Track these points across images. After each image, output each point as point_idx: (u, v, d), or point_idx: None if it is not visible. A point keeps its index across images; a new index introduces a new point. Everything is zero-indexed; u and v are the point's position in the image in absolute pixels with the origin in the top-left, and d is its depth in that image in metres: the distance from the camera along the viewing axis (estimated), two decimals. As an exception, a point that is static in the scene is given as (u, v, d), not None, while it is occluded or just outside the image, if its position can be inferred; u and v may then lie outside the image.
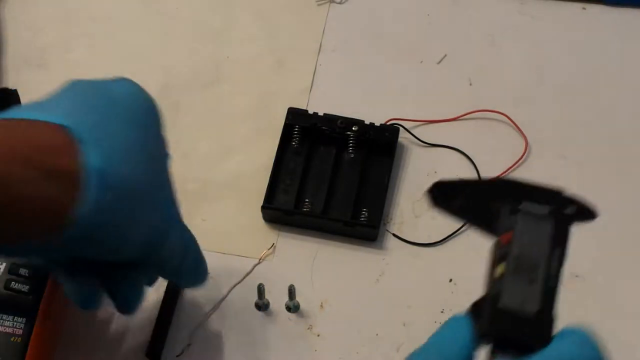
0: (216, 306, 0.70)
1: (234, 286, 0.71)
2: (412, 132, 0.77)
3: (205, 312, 0.70)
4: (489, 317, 0.39)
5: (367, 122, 0.76)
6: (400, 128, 0.76)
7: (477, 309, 0.40)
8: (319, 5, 0.86)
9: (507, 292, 0.39)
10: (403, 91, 0.81)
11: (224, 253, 0.72)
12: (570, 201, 0.43)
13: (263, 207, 0.73)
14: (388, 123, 0.77)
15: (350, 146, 0.75)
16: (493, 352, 0.39)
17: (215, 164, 0.77)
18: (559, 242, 0.41)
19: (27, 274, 0.63)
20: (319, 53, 0.83)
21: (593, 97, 0.81)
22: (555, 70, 0.82)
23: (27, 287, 0.62)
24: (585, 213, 0.44)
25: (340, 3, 0.87)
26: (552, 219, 0.42)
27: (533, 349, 0.38)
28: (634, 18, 0.85)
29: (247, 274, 0.71)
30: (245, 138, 0.79)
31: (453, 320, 0.41)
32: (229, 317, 0.70)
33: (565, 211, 0.43)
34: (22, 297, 0.62)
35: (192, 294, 0.71)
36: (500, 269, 0.40)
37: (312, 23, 0.85)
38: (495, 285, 0.40)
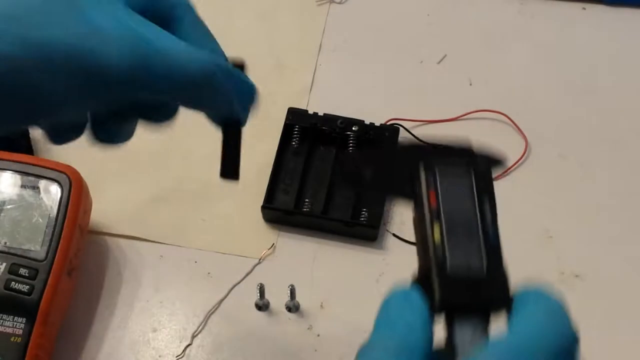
0: (216, 306, 0.70)
1: (234, 286, 0.71)
2: (412, 132, 0.77)
3: (206, 311, 0.70)
4: (441, 288, 0.37)
5: (367, 122, 0.76)
6: (400, 128, 0.76)
7: (421, 280, 0.38)
8: (318, 5, 0.86)
9: (451, 256, 0.37)
10: (403, 91, 0.81)
11: (224, 253, 0.72)
12: (480, 156, 0.42)
13: (263, 207, 0.73)
14: (388, 123, 0.77)
15: (350, 146, 0.75)
16: (449, 324, 0.36)
17: (215, 164, 0.77)
18: (485, 192, 0.39)
19: (27, 274, 0.63)
20: (319, 53, 0.83)
21: (593, 97, 0.81)
22: (555, 70, 0.82)
23: (27, 287, 0.62)
24: (496, 162, 0.42)
25: (340, 3, 0.87)
26: (470, 171, 0.40)
27: (494, 310, 0.36)
28: (634, 18, 0.85)
29: (247, 274, 0.71)
30: (245, 138, 0.79)
31: (399, 296, 0.38)
32: (229, 317, 0.70)
33: (479, 165, 0.41)
34: (22, 297, 0.62)
35: (192, 292, 0.71)
36: (436, 234, 0.38)
37: (312, 23, 0.85)
38: (436, 251, 0.38)
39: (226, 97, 0.44)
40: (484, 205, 0.39)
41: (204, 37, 0.46)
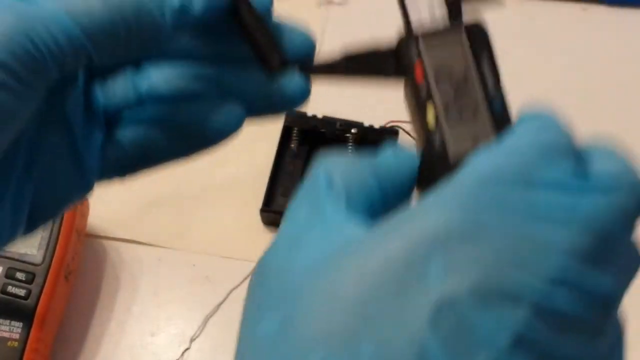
0: (215, 310, 0.70)
1: (233, 290, 0.70)
2: (411, 134, 0.77)
3: (204, 315, 0.69)
4: (443, 176, 0.30)
5: (366, 124, 0.75)
6: (400, 130, 0.76)
7: (424, 169, 0.32)
8: (318, 7, 0.86)
9: (452, 141, 0.32)
10: (402, 93, 0.81)
11: (222, 256, 0.72)
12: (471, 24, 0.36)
13: (262, 210, 0.72)
14: (387, 125, 0.76)
15: (349, 148, 0.75)
16: None
17: (214, 167, 0.77)
18: (483, 53, 0.34)
19: (23, 278, 0.62)
20: (318, 54, 0.83)
21: (593, 97, 0.80)
22: (555, 70, 0.82)
23: (24, 291, 0.62)
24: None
25: (339, 4, 0.86)
26: (459, 27, 0.35)
27: None
28: (634, 18, 0.85)
29: (246, 278, 0.71)
30: (244, 141, 0.78)
31: (398, 152, 0.33)
32: (227, 321, 0.69)
33: (470, 24, 0.35)
34: (19, 302, 0.62)
35: (190, 295, 0.70)
36: (430, 116, 0.33)
37: (311, 24, 0.84)
38: (433, 136, 0.32)
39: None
40: (484, 70, 0.34)
41: None
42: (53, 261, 0.64)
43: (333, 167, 0.31)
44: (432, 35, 0.34)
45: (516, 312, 0.25)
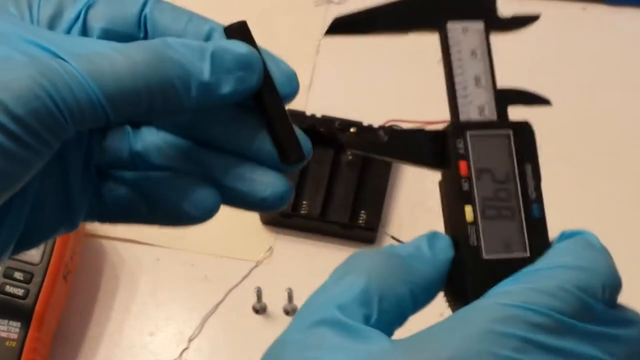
0: (213, 309, 0.69)
1: (231, 289, 0.70)
2: (410, 133, 0.77)
3: (203, 315, 0.69)
4: (473, 276, 0.33)
5: (365, 123, 0.75)
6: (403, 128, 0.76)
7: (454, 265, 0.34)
8: (316, 6, 0.86)
9: (487, 239, 0.33)
10: (402, 92, 0.81)
11: (221, 256, 0.72)
12: (520, 122, 0.36)
13: (260, 210, 0.72)
14: (386, 125, 0.76)
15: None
16: None
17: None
18: (526, 152, 0.35)
19: (22, 278, 0.62)
20: (316, 54, 0.83)
21: (593, 97, 0.80)
22: (555, 70, 0.82)
23: (22, 291, 0.62)
24: (538, 101, 0.38)
25: (338, 4, 0.86)
26: (506, 125, 0.35)
27: None
28: (634, 18, 0.85)
29: (245, 277, 0.71)
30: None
31: (431, 238, 0.34)
32: (226, 321, 0.69)
33: (518, 128, 0.36)
34: (17, 302, 0.62)
35: (189, 295, 0.70)
36: (468, 213, 0.34)
37: (310, 24, 0.85)
38: (469, 230, 0.33)
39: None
40: (526, 171, 0.35)
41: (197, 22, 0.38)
42: (51, 261, 0.64)
43: (370, 277, 0.32)
44: (480, 130, 0.35)
45: None
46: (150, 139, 0.36)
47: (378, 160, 0.75)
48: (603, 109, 0.80)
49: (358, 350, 0.29)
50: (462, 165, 0.34)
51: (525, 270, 0.32)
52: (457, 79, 0.37)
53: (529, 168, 0.35)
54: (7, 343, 0.61)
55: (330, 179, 0.74)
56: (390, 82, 0.81)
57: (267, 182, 0.35)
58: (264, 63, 0.35)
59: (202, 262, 0.72)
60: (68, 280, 0.67)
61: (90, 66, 0.30)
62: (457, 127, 0.35)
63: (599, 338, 0.30)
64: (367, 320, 0.31)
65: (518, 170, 0.34)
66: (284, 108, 0.36)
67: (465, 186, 0.34)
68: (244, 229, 0.73)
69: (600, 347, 0.30)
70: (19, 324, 0.61)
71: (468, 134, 0.35)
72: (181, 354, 0.68)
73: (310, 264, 0.71)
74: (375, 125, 0.76)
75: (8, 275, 0.62)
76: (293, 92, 0.37)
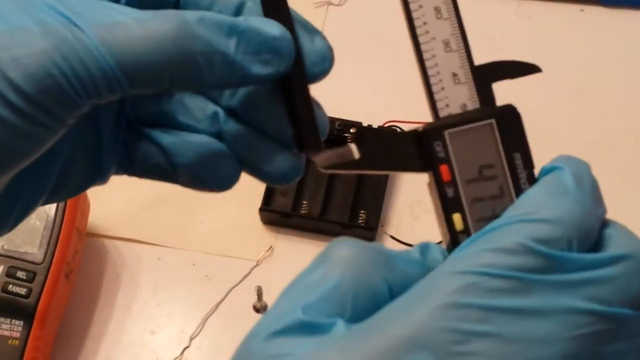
0: (214, 309, 0.70)
1: (232, 289, 0.70)
2: (410, 134, 0.77)
3: (204, 314, 0.69)
4: None
5: (365, 124, 0.76)
6: (398, 130, 0.76)
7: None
8: (316, 7, 0.86)
9: None
10: (401, 93, 0.81)
11: (221, 255, 0.72)
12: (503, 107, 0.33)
13: (261, 209, 0.73)
14: (386, 125, 0.76)
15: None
16: None
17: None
18: (513, 139, 0.32)
19: (24, 277, 0.63)
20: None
21: (592, 98, 0.81)
22: (554, 71, 0.82)
23: (25, 290, 0.62)
24: (525, 70, 0.35)
25: (338, 5, 0.87)
26: (488, 115, 0.32)
27: None
28: (632, 19, 0.85)
29: (245, 277, 0.71)
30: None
31: (424, 247, 0.32)
32: (227, 320, 0.69)
33: (502, 114, 0.32)
34: (20, 300, 0.62)
35: (190, 294, 0.71)
36: (457, 222, 0.31)
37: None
38: (460, 238, 0.31)
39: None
40: (515, 161, 0.32)
41: None
42: (54, 260, 0.64)
43: (345, 269, 0.30)
44: (461, 127, 0.32)
45: None
46: (182, 99, 0.35)
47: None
48: (601, 110, 0.80)
49: (309, 343, 0.27)
50: (444, 169, 0.32)
51: (484, 228, 0.29)
52: (427, 64, 0.34)
53: (518, 157, 0.32)
54: (9, 342, 0.61)
55: (330, 179, 0.74)
56: (390, 82, 0.81)
57: (280, 158, 0.34)
58: (297, 42, 0.32)
59: (203, 262, 0.72)
60: (70, 279, 0.67)
61: (109, 37, 0.29)
62: (433, 128, 0.32)
63: (575, 286, 0.27)
64: (340, 317, 0.29)
65: (507, 161, 0.32)
66: (308, 95, 0.33)
67: (450, 192, 0.32)
68: (245, 229, 0.73)
69: (579, 295, 0.27)
70: (21, 323, 0.62)
71: (446, 133, 0.32)
72: (182, 352, 0.68)
73: (311, 263, 0.72)
74: (375, 125, 0.77)
75: (11, 274, 0.62)
76: (323, 73, 0.34)
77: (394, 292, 0.29)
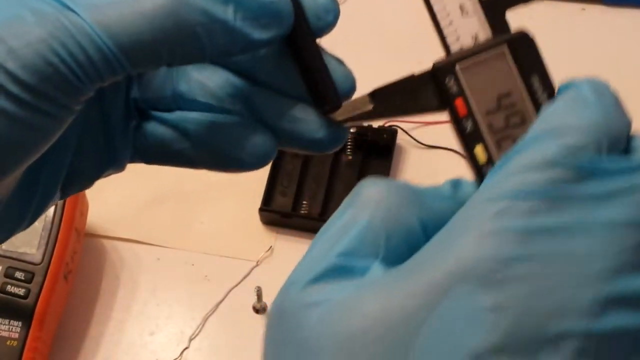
0: (213, 309, 0.70)
1: (232, 289, 0.70)
2: (410, 134, 0.77)
3: (203, 315, 0.69)
4: None
5: (365, 124, 0.75)
6: (399, 130, 0.76)
7: None
8: (316, 6, 0.86)
9: None
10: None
11: (221, 256, 0.72)
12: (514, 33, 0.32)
13: (261, 210, 0.72)
14: (386, 125, 0.76)
15: (348, 148, 0.75)
16: None
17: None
18: (530, 64, 0.32)
19: (23, 278, 0.62)
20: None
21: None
22: (554, 71, 0.82)
23: (23, 290, 0.62)
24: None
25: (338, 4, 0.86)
26: (501, 44, 0.31)
27: None
28: (633, 18, 0.85)
29: (245, 277, 0.71)
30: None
31: (455, 183, 0.31)
32: (226, 320, 0.69)
33: (513, 39, 0.31)
34: (18, 301, 0.62)
35: (189, 295, 0.71)
36: (480, 154, 0.31)
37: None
38: (486, 171, 0.31)
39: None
40: (534, 86, 0.32)
41: None
42: (52, 260, 0.64)
43: (376, 209, 0.29)
44: (472, 58, 0.31)
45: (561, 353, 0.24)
46: (196, 77, 0.34)
47: (378, 160, 0.75)
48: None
49: (346, 288, 0.27)
50: (459, 104, 0.31)
51: (509, 152, 0.28)
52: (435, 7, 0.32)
53: (536, 81, 0.32)
54: (8, 342, 0.61)
55: (330, 179, 0.74)
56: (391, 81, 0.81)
57: (321, 122, 0.33)
58: (297, 1, 0.31)
59: (203, 262, 0.72)
60: (69, 279, 0.67)
61: (104, 18, 0.28)
62: (444, 63, 0.31)
63: (612, 195, 0.26)
64: (374, 258, 0.28)
65: (525, 86, 0.31)
66: (317, 51, 0.32)
67: (469, 126, 0.31)
68: (245, 229, 0.73)
69: (617, 204, 0.26)
70: (20, 324, 0.62)
71: (457, 67, 0.31)
72: (181, 353, 0.68)
73: (310, 264, 0.71)
74: (375, 125, 0.77)
75: (9, 275, 0.62)
76: (329, 26, 0.33)
77: (427, 230, 0.29)
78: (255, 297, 0.68)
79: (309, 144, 0.33)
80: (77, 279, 0.70)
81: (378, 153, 0.75)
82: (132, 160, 0.36)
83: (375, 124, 0.75)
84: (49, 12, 0.28)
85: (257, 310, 0.69)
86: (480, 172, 0.31)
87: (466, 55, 0.31)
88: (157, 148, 0.35)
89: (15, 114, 0.28)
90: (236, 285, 0.70)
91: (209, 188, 0.75)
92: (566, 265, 0.25)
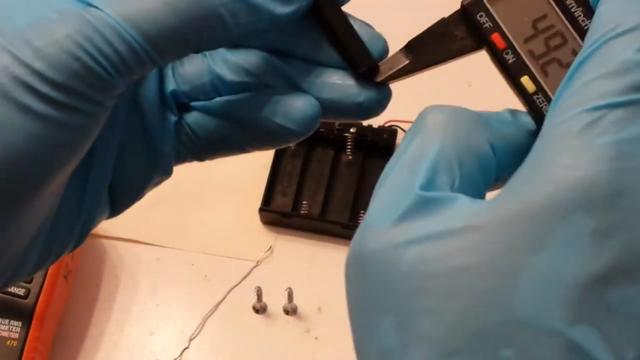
0: (213, 309, 0.70)
1: (232, 289, 0.70)
2: (410, 133, 0.77)
3: (203, 314, 0.69)
4: None
5: (365, 124, 0.75)
6: (398, 130, 0.76)
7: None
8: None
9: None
10: (401, 93, 0.80)
11: (221, 256, 0.72)
12: None
13: (261, 210, 0.72)
14: (386, 125, 0.76)
15: (348, 148, 0.75)
16: None
17: (213, 166, 0.76)
18: None
19: (23, 278, 0.62)
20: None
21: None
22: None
23: (23, 290, 0.62)
24: None
25: (337, 4, 0.86)
26: None
27: None
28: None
29: (245, 277, 0.71)
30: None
31: (513, 112, 0.31)
32: (226, 320, 0.69)
33: None
34: (18, 301, 0.62)
35: (189, 295, 0.71)
36: (528, 85, 0.31)
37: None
38: (536, 100, 0.30)
39: None
40: (569, 8, 0.30)
41: None
42: (52, 260, 0.64)
43: (445, 134, 0.28)
44: None
45: None
46: (231, 59, 0.34)
47: (378, 160, 0.75)
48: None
49: (441, 221, 0.26)
50: (496, 37, 0.31)
51: (572, 66, 0.26)
52: None
53: (573, 3, 0.30)
54: (8, 342, 0.61)
55: (330, 179, 0.74)
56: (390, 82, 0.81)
57: (361, 86, 0.33)
58: None
59: (203, 262, 0.72)
60: (69, 279, 0.67)
61: (127, 10, 0.28)
62: (472, 1, 0.31)
63: None
64: (450, 187, 0.27)
65: (558, 6, 0.30)
66: (344, 17, 0.33)
67: (511, 58, 0.31)
68: (244, 229, 0.73)
69: None
70: (20, 324, 0.62)
71: (486, 1, 0.31)
72: (181, 353, 0.68)
73: (310, 264, 0.71)
74: (375, 125, 0.77)
75: (9, 274, 0.62)
76: (383, 55, 0.33)
77: (497, 152, 0.28)
78: (255, 297, 0.68)
79: (353, 109, 0.33)
80: (76, 279, 0.70)
81: (378, 153, 0.75)
82: (182, 160, 0.35)
83: (375, 124, 0.75)
84: (71, 10, 0.28)
85: (257, 310, 0.69)
86: (532, 101, 0.30)
87: None
88: (204, 139, 0.34)
89: (48, 114, 0.27)
90: (236, 285, 0.70)
91: (209, 188, 0.75)
92: None
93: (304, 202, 0.73)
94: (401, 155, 0.29)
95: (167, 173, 0.35)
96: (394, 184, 0.28)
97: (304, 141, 0.74)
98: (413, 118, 0.85)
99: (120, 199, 0.34)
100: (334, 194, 0.74)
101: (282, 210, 0.73)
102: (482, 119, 0.29)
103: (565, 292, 0.23)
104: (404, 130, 0.76)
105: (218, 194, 0.75)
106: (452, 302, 0.24)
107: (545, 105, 0.30)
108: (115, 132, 0.32)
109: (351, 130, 0.75)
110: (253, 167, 0.76)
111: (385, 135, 0.75)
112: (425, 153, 0.28)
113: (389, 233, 0.26)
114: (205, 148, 0.35)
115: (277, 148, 0.35)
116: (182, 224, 0.74)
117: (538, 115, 0.30)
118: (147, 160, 0.34)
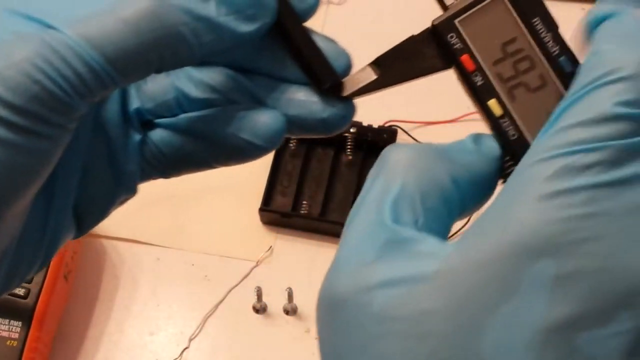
0: (213, 309, 0.70)
1: (232, 289, 0.70)
2: (410, 134, 0.77)
3: (203, 315, 0.69)
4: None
5: (365, 123, 0.75)
6: (399, 130, 0.76)
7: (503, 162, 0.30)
8: (316, 6, 0.86)
9: (527, 123, 0.30)
10: (401, 93, 0.80)
11: (221, 256, 0.72)
12: None
13: (261, 210, 0.72)
14: (386, 125, 0.76)
15: (348, 148, 0.75)
16: None
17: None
18: (530, 8, 0.31)
19: (23, 278, 0.62)
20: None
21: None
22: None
23: (23, 290, 0.62)
24: None
25: (338, 4, 0.86)
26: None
27: None
28: (633, 19, 0.85)
29: (245, 277, 0.71)
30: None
31: (476, 137, 0.31)
32: (226, 320, 0.69)
33: None
34: (18, 301, 0.62)
35: (189, 295, 0.71)
36: (494, 108, 0.30)
37: (310, 24, 0.85)
38: (503, 123, 0.30)
39: None
40: (537, 29, 0.31)
41: None
42: (52, 260, 0.64)
43: (406, 172, 0.29)
44: (471, 10, 0.31)
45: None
46: (195, 76, 0.33)
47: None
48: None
49: (407, 264, 0.26)
50: (465, 59, 0.31)
51: (560, 106, 0.26)
52: None
53: (538, 22, 0.31)
54: (8, 342, 0.61)
55: (330, 179, 0.74)
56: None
57: (325, 102, 0.32)
58: None
59: (203, 262, 0.72)
60: (69, 280, 0.67)
61: (87, 31, 0.27)
62: (443, 20, 0.31)
63: None
64: (414, 224, 0.27)
65: (528, 30, 0.30)
66: (305, 33, 0.33)
67: (479, 80, 0.30)
68: (244, 229, 0.73)
69: None
70: (20, 324, 0.62)
71: (457, 22, 0.31)
72: (181, 353, 0.68)
73: (310, 264, 0.71)
74: (375, 125, 0.77)
75: (9, 275, 0.62)
76: (312, 7, 0.33)
77: (460, 185, 0.29)
78: (255, 297, 0.68)
79: (316, 125, 0.33)
80: (76, 279, 0.70)
81: (378, 153, 0.74)
82: (148, 177, 0.35)
83: (375, 124, 0.75)
84: (30, 32, 0.27)
85: (257, 310, 0.69)
86: (498, 125, 0.30)
87: (464, 8, 0.31)
88: (169, 157, 0.34)
89: (8, 138, 0.27)
90: (236, 285, 0.70)
91: (209, 188, 0.75)
92: (636, 218, 0.24)
93: (304, 202, 0.73)
94: (365, 196, 0.29)
95: (132, 192, 0.35)
96: (361, 225, 0.28)
97: (304, 141, 0.75)
98: (413, 118, 0.85)
99: (85, 219, 0.33)
100: (334, 194, 0.74)
101: (282, 210, 0.73)
102: (444, 153, 0.29)
103: (530, 336, 0.24)
104: (404, 130, 0.76)
105: (218, 194, 0.75)
106: (421, 345, 0.25)
107: (511, 129, 0.30)
108: (78, 153, 0.32)
109: (351, 130, 0.75)
110: (253, 167, 0.75)
111: (385, 135, 0.75)
112: (387, 192, 0.28)
113: (357, 276, 0.27)
114: (171, 165, 0.34)
115: (243, 163, 0.35)
116: (182, 224, 0.74)
117: (504, 139, 0.30)
118: (112, 180, 0.34)
